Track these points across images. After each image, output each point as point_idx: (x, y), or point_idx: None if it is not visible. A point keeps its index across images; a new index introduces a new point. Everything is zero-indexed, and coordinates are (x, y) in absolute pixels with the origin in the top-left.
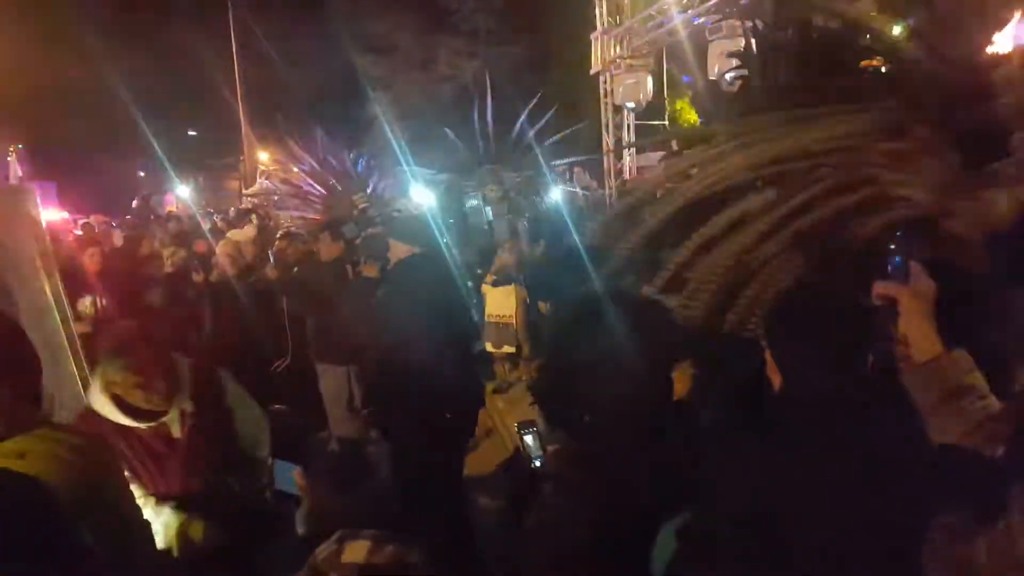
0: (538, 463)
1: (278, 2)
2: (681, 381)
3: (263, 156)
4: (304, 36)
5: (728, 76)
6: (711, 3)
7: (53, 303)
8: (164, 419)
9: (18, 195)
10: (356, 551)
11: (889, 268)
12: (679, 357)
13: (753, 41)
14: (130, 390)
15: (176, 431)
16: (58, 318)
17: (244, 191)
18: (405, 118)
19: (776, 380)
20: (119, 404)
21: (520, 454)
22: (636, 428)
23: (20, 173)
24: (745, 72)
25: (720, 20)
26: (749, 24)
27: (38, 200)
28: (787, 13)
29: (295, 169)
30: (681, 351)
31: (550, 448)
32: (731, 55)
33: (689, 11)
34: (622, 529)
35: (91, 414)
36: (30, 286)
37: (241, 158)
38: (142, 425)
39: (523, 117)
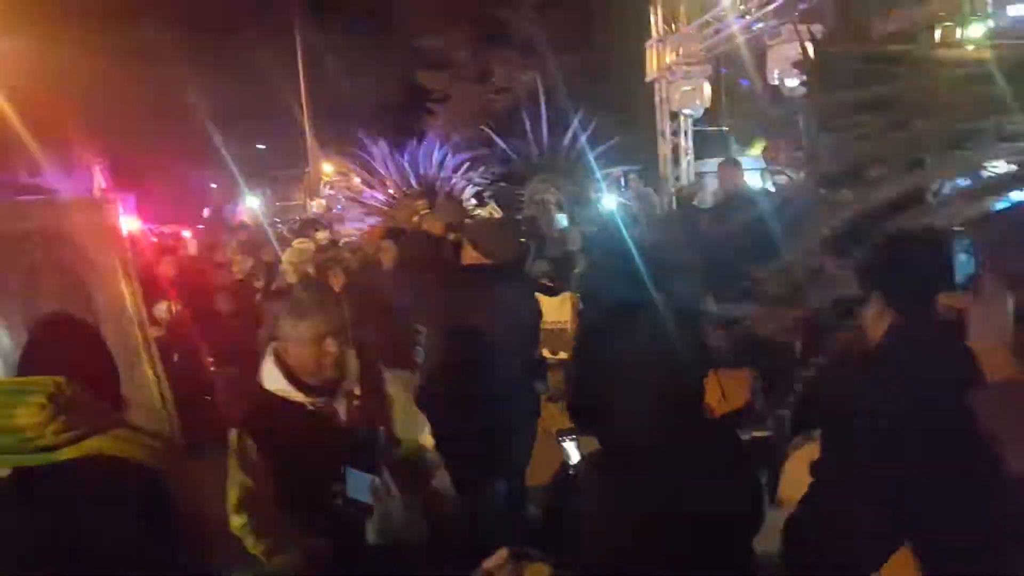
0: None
1: (342, 20)
2: (712, 389)
3: (327, 168)
4: (365, 51)
5: (788, 82)
6: (769, 8)
7: (131, 309)
8: (332, 399)
9: (102, 206)
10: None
11: (964, 278)
12: (712, 367)
13: (811, 47)
14: (305, 360)
15: (342, 412)
16: (135, 323)
17: (308, 201)
18: (461, 129)
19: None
20: (290, 378)
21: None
22: (664, 434)
23: (104, 185)
24: (806, 77)
25: (779, 25)
26: (807, 29)
27: (120, 211)
28: (846, 20)
29: (356, 180)
30: (714, 362)
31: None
32: (794, 65)
33: (747, 17)
34: (657, 535)
35: (258, 393)
36: (110, 292)
37: (306, 170)
38: (310, 401)
39: (574, 125)
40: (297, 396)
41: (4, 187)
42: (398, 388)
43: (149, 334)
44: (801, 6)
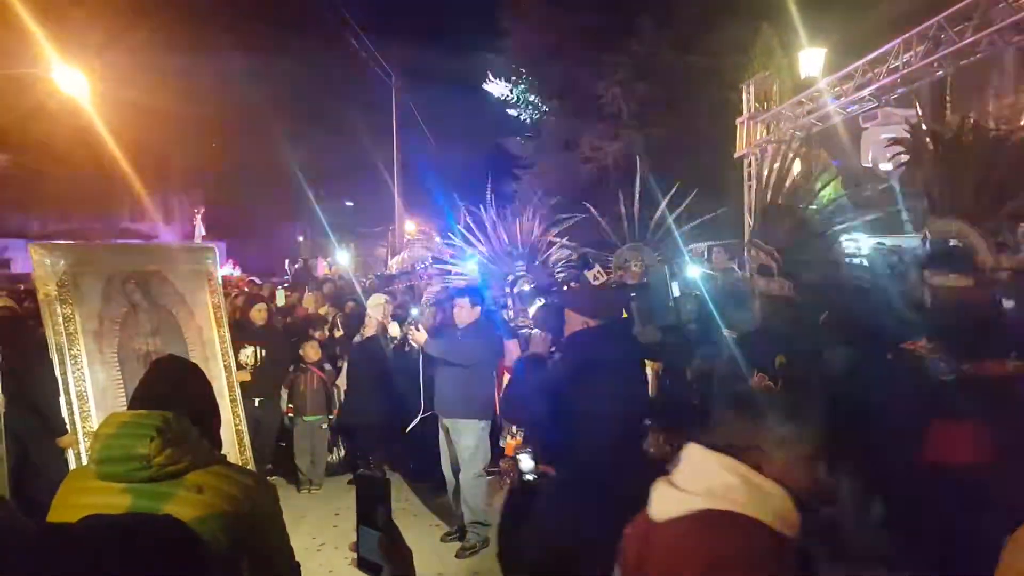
0: (530, 477)
1: (437, 88)
2: None
3: (410, 226)
4: (456, 116)
5: (883, 165)
6: (865, 91)
7: (220, 352)
8: None
9: (202, 252)
10: None
11: None
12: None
13: (910, 132)
14: None
15: None
16: (222, 366)
17: (391, 258)
18: (546, 195)
19: None
20: None
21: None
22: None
23: (203, 232)
24: (905, 159)
25: (875, 108)
26: (906, 114)
27: (218, 258)
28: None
29: (437, 239)
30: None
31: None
32: (890, 144)
33: (842, 98)
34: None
35: None
36: (203, 335)
37: (391, 227)
38: None
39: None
40: None
41: (110, 230)
42: (468, 439)
43: (234, 378)
44: (899, 91)
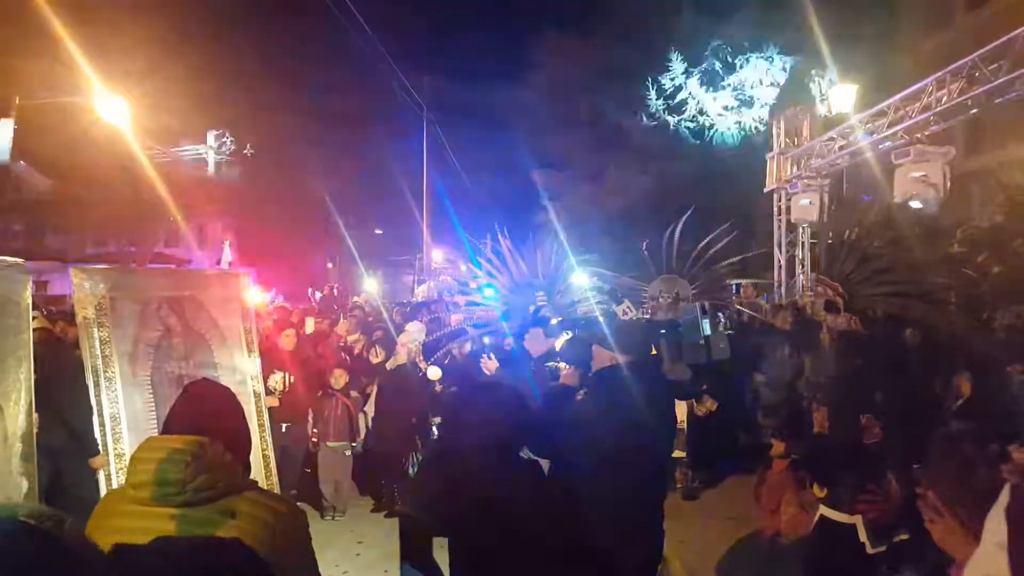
0: None
1: (467, 120)
2: None
3: (437, 255)
4: (484, 148)
5: (912, 203)
6: (899, 128)
7: (250, 377)
8: None
9: (233, 279)
10: None
11: None
12: None
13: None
14: None
15: None
16: (251, 391)
17: (416, 286)
18: (573, 226)
19: None
20: None
21: None
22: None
23: (231, 259)
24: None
25: (907, 145)
26: (940, 151)
27: (249, 285)
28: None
29: (463, 267)
30: None
31: None
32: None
33: (875, 135)
34: None
35: None
36: (234, 361)
37: (418, 256)
38: None
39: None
40: None
41: (145, 254)
42: None
43: (263, 403)
44: (932, 128)
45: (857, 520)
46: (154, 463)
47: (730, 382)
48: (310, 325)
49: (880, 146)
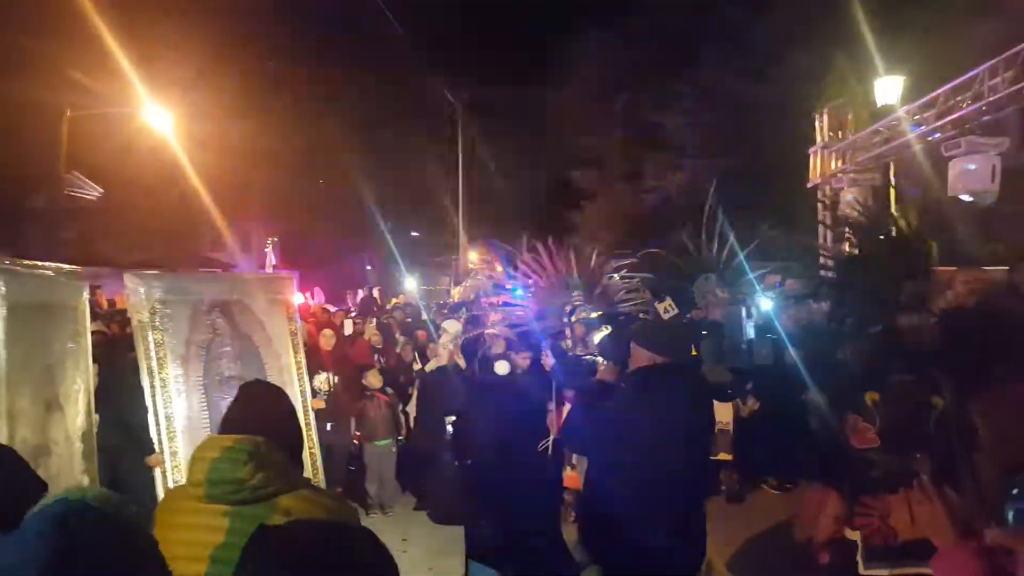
0: None
1: (502, 120)
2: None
3: (472, 256)
4: (519, 149)
5: (963, 196)
6: (948, 119)
7: (296, 377)
8: None
9: (280, 282)
10: None
11: None
12: None
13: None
14: None
15: None
16: (298, 391)
17: (453, 287)
18: (609, 226)
19: None
20: None
21: None
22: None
23: (275, 262)
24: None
25: (958, 137)
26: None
27: (295, 287)
28: None
29: (499, 268)
30: None
31: None
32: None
33: (923, 127)
34: None
35: None
36: (280, 362)
37: (454, 257)
38: None
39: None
40: None
41: (191, 259)
42: None
43: (309, 403)
44: (984, 119)
45: (857, 536)
46: (217, 462)
47: (780, 386)
48: (348, 327)
49: (929, 138)
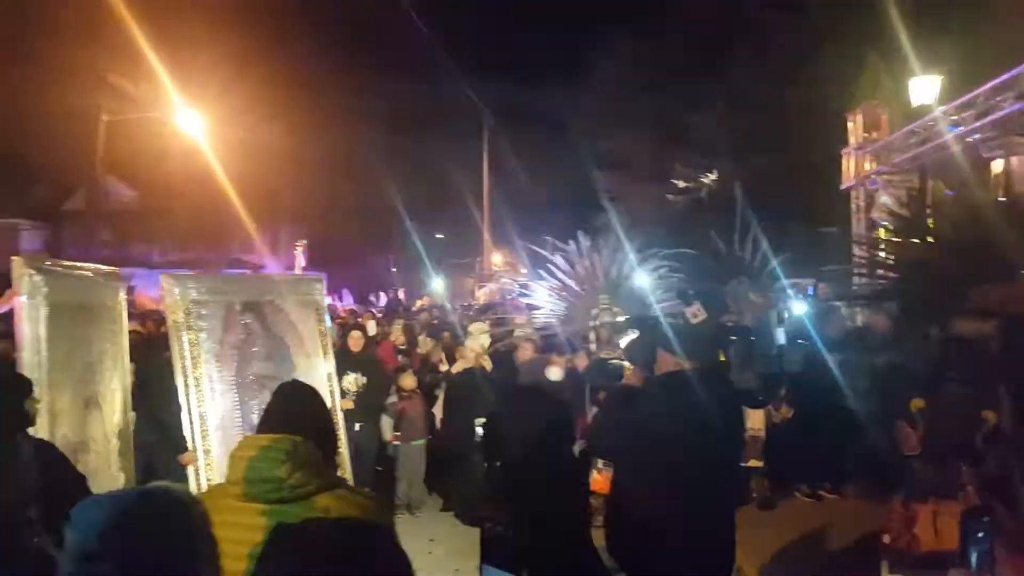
0: None
1: (526, 122)
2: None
3: (496, 258)
4: (545, 151)
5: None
6: (987, 120)
7: (326, 378)
8: None
9: (310, 283)
10: None
11: None
12: None
13: None
14: None
15: None
16: (327, 391)
17: (476, 289)
18: (636, 228)
19: None
20: None
21: None
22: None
23: (303, 263)
24: None
25: (997, 137)
26: None
27: (324, 288)
28: None
29: (523, 270)
30: None
31: None
32: None
33: (960, 127)
34: None
35: None
36: (310, 362)
37: (479, 259)
38: None
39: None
40: None
41: (222, 260)
42: None
43: (338, 403)
44: None
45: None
46: (256, 461)
47: (815, 392)
48: (372, 328)
49: (968, 139)
